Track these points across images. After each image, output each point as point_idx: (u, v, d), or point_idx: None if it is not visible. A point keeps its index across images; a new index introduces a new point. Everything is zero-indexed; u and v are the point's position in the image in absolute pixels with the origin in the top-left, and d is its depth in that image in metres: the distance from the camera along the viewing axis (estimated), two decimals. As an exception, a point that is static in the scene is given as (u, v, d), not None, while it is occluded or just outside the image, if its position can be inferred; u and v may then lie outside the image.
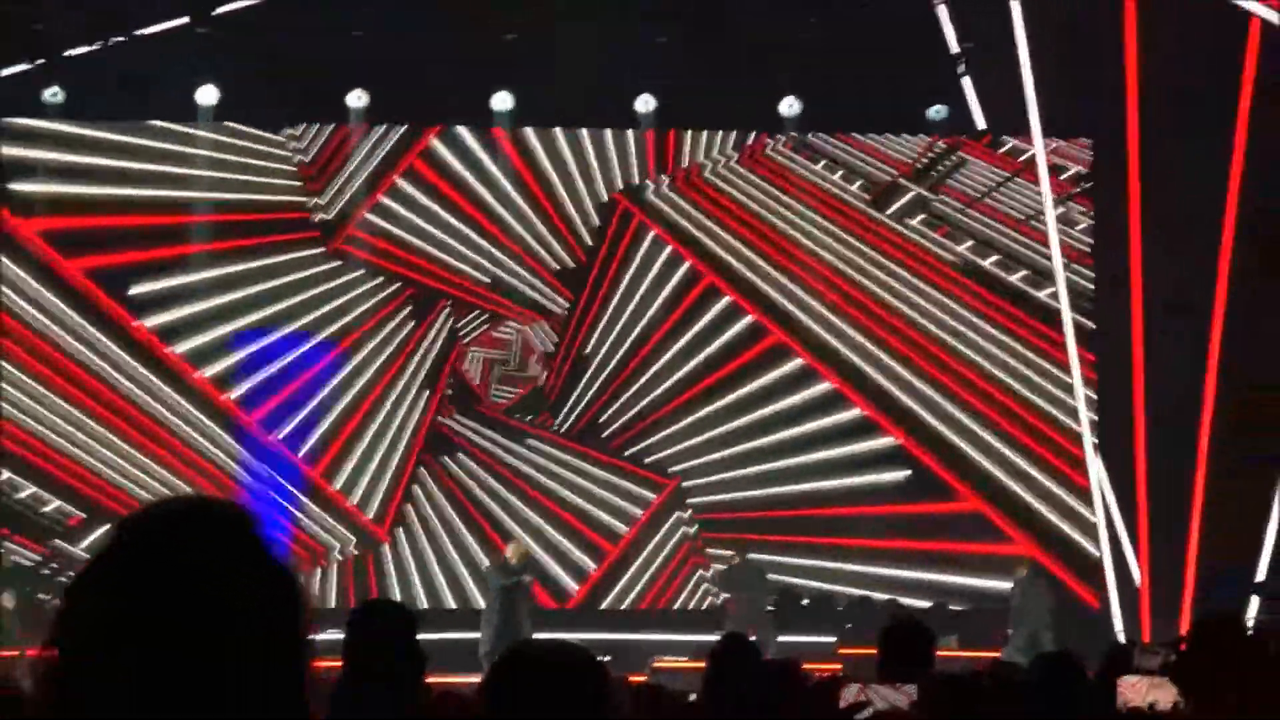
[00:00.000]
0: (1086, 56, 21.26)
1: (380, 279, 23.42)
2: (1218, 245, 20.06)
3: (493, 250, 23.54)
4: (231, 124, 23.17)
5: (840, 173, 23.71)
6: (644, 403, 23.53)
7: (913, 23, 21.81)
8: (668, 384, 23.52)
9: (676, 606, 23.04)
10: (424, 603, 21.95)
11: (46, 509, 22.58)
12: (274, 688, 2.07)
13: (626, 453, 23.61)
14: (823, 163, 23.76)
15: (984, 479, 22.81)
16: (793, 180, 23.71)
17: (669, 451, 23.51)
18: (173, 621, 2.03)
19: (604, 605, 23.21)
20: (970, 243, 23.56)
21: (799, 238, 23.56)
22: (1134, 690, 9.09)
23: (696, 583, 23.24)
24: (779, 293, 23.56)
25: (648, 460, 23.54)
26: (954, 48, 22.23)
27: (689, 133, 23.64)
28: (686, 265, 23.68)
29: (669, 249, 23.71)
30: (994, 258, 23.47)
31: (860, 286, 23.42)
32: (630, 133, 23.57)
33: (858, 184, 23.74)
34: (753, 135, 23.81)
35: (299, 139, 23.39)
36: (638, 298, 23.63)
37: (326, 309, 23.24)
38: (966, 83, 22.69)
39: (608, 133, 23.62)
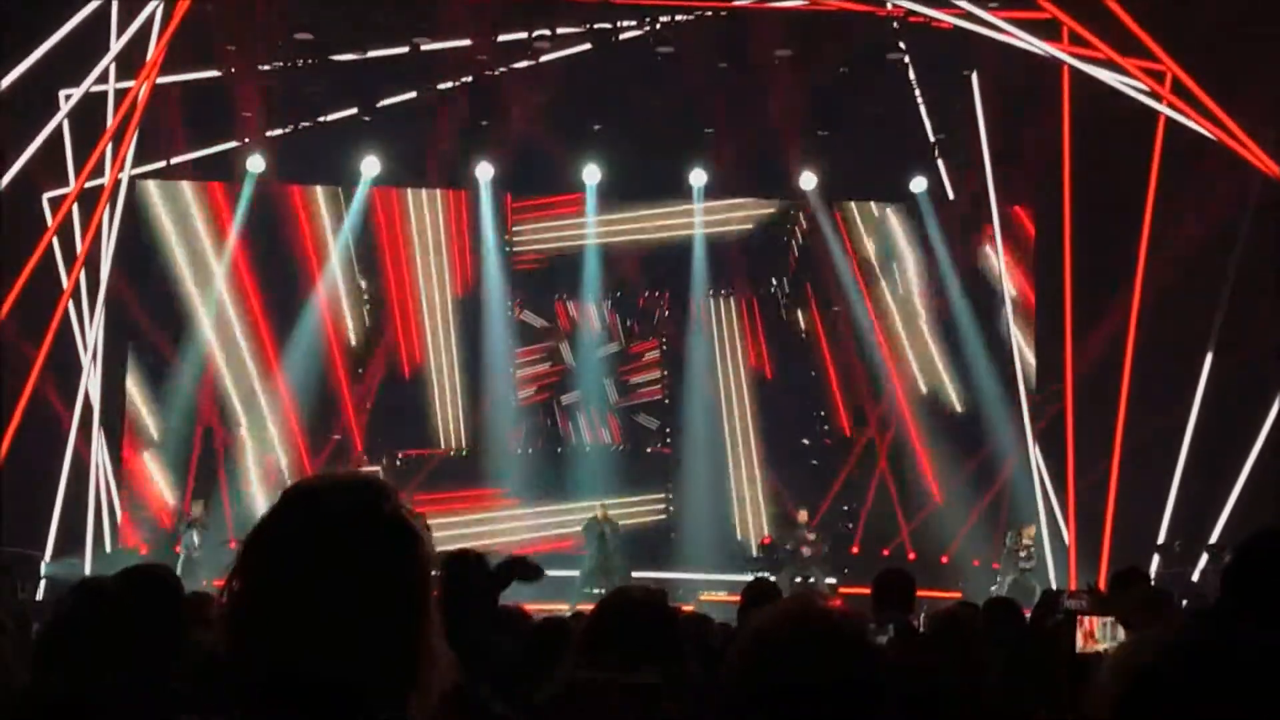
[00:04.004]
0: (1033, 143, 20.97)
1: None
2: (1133, 279, 19.68)
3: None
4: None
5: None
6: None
7: (902, 118, 21.79)
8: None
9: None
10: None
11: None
12: (396, 625, 2.07)
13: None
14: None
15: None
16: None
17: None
18: (313, 562, 2.06)
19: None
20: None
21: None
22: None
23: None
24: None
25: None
26: (931, 137, 22.27)
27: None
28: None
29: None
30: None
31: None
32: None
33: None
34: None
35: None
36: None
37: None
38: (940, 163, 22.78)
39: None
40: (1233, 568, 2.74)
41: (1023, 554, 20.55)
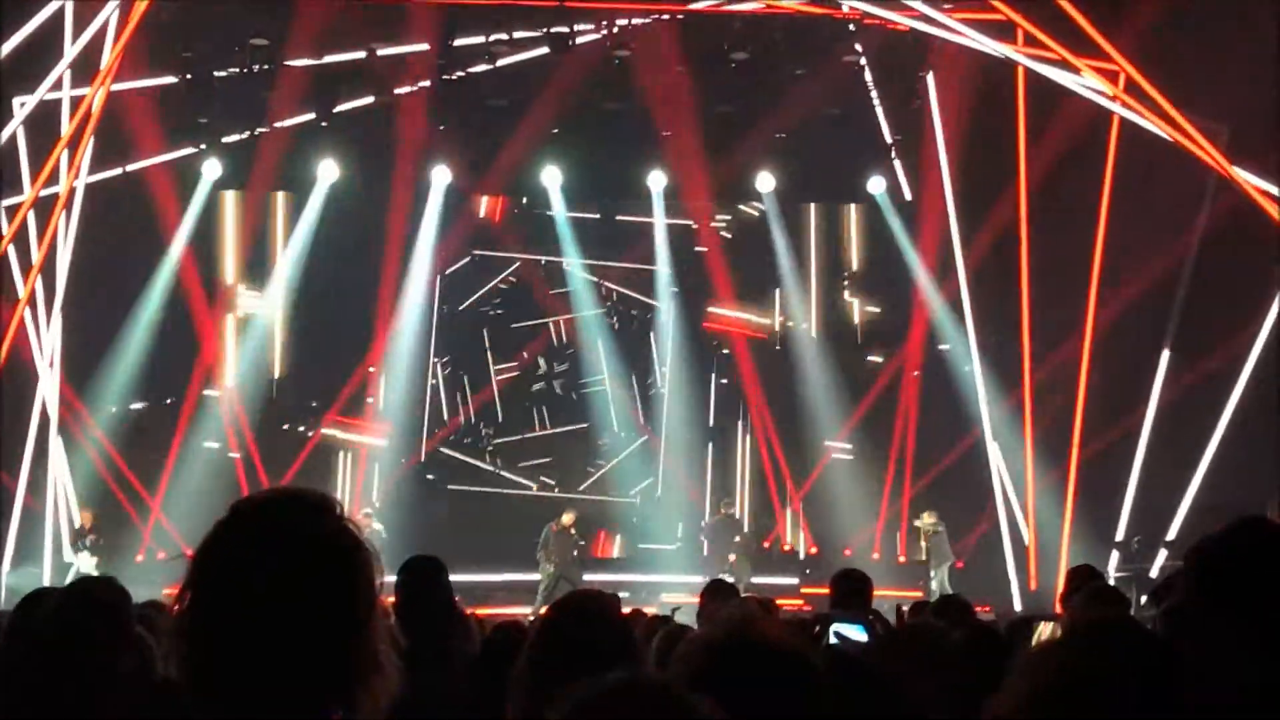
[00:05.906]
0: (988, 145, 20.96)
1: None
2: (1086, 286, 19.88)
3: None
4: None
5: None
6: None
7: (858, 120, 21.72)
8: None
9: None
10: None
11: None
12: (340, 635, 2.10)
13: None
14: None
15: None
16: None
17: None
18: (259, 576, 2.09)
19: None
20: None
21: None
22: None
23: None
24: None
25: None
26: (888, 139, 22.13)
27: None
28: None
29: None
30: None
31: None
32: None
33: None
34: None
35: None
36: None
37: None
38: (898, 164, 22.64)
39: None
40: (1203, 565, 2.43)
41: (928, 542, 20.48)
